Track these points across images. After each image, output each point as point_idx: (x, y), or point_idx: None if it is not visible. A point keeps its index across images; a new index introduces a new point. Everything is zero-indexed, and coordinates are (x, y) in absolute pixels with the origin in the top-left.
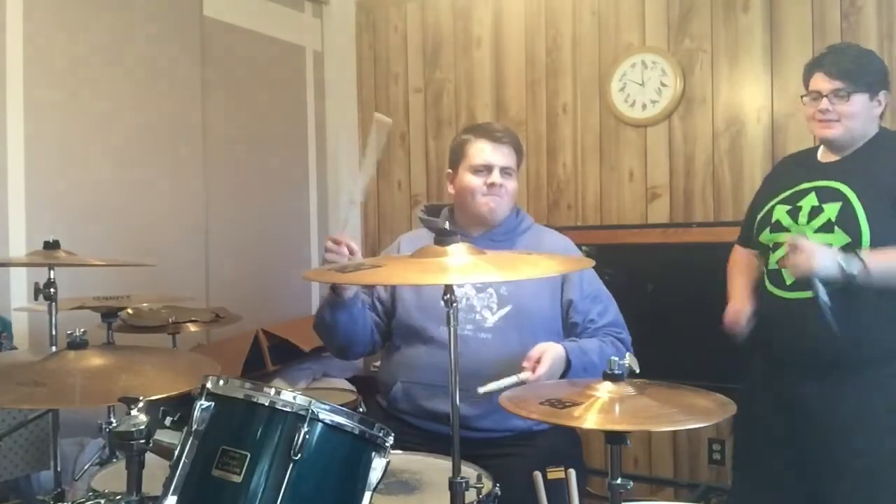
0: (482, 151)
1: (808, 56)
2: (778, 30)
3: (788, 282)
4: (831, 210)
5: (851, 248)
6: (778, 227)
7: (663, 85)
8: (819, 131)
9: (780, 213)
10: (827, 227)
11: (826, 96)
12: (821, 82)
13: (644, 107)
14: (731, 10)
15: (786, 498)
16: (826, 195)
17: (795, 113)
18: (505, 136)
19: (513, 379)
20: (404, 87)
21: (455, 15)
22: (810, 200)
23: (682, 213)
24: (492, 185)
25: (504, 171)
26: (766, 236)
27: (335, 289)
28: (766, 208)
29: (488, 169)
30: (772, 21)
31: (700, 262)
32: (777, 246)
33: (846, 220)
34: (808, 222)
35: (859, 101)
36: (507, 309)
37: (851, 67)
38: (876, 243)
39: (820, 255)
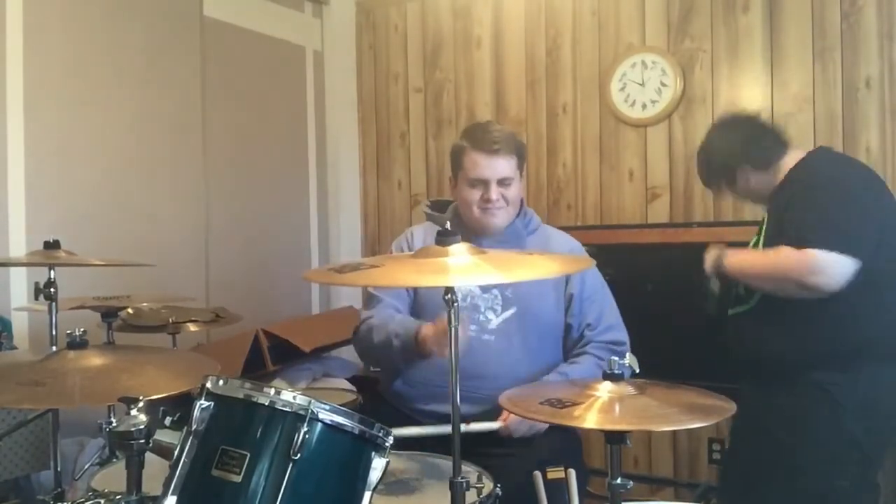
0: (477, 165)
1: (808, 56)
2: (778, 30)
3: (733, 299)
4: (759, 237)
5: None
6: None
7: (663, 85)
8: None
9: (754, 239)
10: (756, 244)
11: None
12: None
13: (644, 107)
14: (731, 10)
15: (747, 491)
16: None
17: (795, 113)
18: (500, 145)
19: (493, 425)
20: (404, 87)
21: (455, 15)
22: (761, 227)
23: (682, 213)
24: (487, 200)
25: (502, 182)
26: None
27: (420, 345)
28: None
29: (484, 183)
30: (772, 21)
31: (700, 262)
32: None
33: (760, 245)
34: (753, 248)
35: None
36: (511, 311)
37: None
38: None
39: (708, 258)
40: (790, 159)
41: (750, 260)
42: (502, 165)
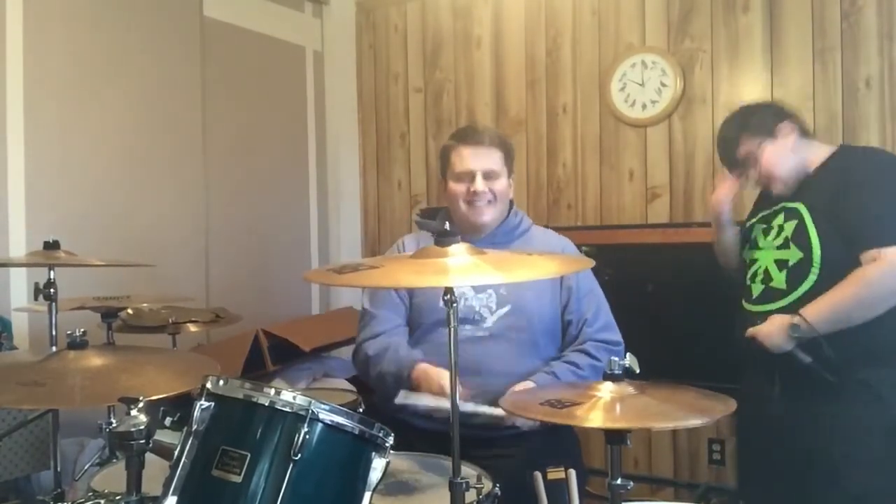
0: (462, 158)
1: (808, 56)
2: (778, 30)
3: (754, 295)
4: (789, 228)
5: (803, 271)
6: (754, 245)
7: (663, 85)
8: None
9: (758, 230)
10: (784, 245)
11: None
12: None
13: (644, 107)
14: (731, 10)
15: (764, 493)
16: (789, 214)
17: (794, 114)
18: (484, 137)
19: (488, 410)
20: (404, 87)
21: (455, 15)
22: (778, 220)
23: (681, 213)
24: (474, 192)
25: (487, 174)
26: (745, 252)
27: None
28: (749, 224)
29: (470, 176)
30: (772, 21)
31: (700, 262)
32: (752, 263)
33: (800, 237)
34: (773, 240)
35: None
36: (506, 309)
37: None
38: (826, 256)
39: (773, 337)
40: (820, 150)
41: (829, 302)
42: (487, 157)
